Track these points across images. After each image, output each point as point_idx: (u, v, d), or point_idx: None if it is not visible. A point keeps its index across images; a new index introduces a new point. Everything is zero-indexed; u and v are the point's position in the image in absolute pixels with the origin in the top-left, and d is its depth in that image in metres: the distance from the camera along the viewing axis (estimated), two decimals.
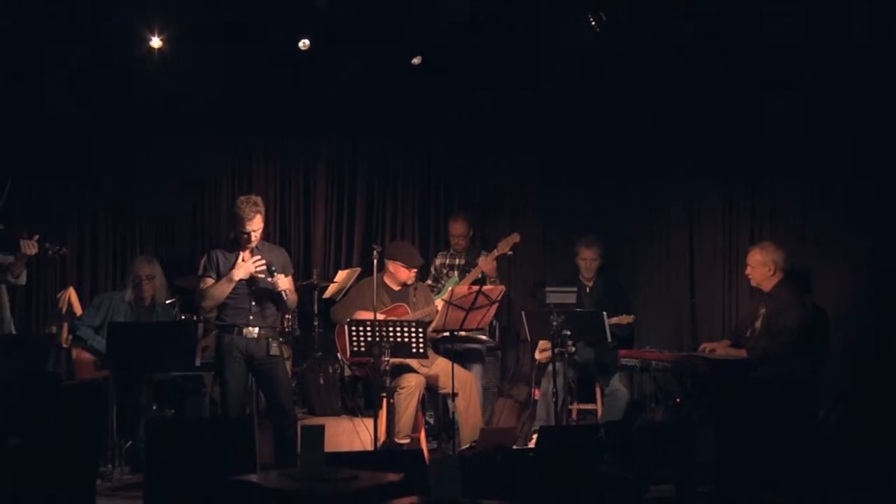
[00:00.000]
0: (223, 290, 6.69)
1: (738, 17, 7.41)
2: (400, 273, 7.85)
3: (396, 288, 7.92)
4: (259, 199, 6.85)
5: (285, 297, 6.76)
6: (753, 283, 7.46)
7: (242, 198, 6.87)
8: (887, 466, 6.30)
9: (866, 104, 7.33)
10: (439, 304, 7.78)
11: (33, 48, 7.61)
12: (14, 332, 7.23)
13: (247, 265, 6.69)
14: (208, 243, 8.43)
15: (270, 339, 6.77)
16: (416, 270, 7.96)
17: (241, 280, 6.69)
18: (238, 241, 6.82)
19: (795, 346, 7.13)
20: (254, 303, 6.74)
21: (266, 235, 7.70)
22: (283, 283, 6.73)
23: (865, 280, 7.47)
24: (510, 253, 8.25)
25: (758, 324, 7.38)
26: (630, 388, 7.79)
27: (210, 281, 6.78)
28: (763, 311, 7.36)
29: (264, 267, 6.70)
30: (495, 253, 8.20)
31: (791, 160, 7.91)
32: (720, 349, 7.45)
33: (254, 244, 6.75)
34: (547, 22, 7.83)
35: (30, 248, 6.83)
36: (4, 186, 6.77)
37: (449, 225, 8.84)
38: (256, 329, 6.72)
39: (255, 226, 6.71)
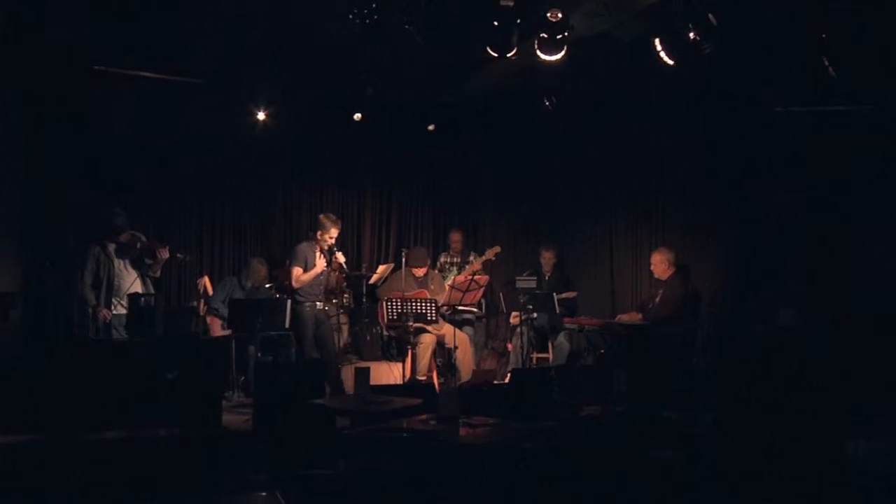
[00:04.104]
0: (310, 277, 6.78)
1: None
2: (413, 271, 7.84)
3: (419, 277, 7.85)
4: (336, 217, 6.99)
5: (345, 269, 6.98)
6: (656, 276, 7.41)
7: (329, 215, 6.99)
8: (743, 397, 6.24)
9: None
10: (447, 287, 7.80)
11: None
12: None
13: (322, 262, 6.80)
14: (294, 245, 8.40)
15: (326, 307, 6.98)
16: (423, 268, 7.85)
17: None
18: (316, 241, 6.87)
19: (679, 315, 7.10)
20: (321, 287, 6.87)
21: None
22: (341, 258, 6.89)
23: (726, 272, 7.39)
24: (493, 259, 8.17)
25: (657, 300, 7.34)
26: (571, 342, 7.73)
27: (299, 270, 6.79)
28: (661, 292, 7.33)
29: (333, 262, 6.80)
30: (483, 258, 8.11)
31: (674, 192, 7.86)
32: (629, 318, 7.42)
33: (332, 244, 6.82)
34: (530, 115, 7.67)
35: (163, 253, 6.74)
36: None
37: (449, 235, 8.74)
38: (320, 303, 6.90)
39: (335, 234, 6.84)
